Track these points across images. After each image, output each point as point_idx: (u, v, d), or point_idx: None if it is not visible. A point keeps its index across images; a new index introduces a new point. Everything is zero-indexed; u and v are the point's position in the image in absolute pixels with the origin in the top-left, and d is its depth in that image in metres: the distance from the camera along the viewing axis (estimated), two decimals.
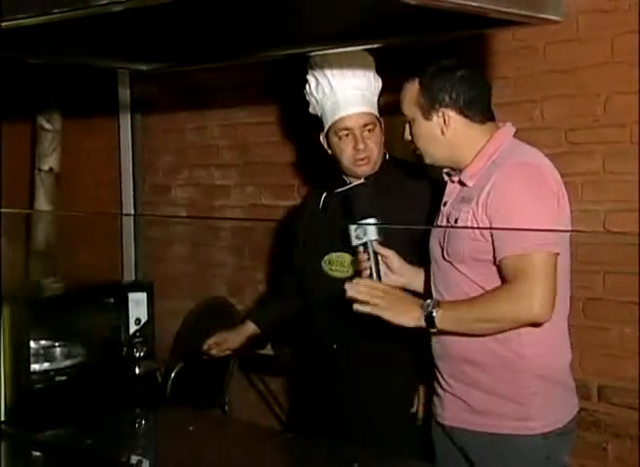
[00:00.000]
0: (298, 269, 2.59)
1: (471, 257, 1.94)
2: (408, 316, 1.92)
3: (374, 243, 2.07)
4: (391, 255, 2.12)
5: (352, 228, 2.10)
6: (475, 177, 1.97)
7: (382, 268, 2.10)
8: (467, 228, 1.92)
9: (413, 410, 2.43)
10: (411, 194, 2.39)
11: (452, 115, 1.99)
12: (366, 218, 2.07)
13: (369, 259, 2.07)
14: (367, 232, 2.04)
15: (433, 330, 1.92)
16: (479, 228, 1.90)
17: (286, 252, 2.75)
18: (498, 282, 1.93)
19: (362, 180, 2.43)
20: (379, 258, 2.09)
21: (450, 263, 1.99)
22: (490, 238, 1.91)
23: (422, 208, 2.33)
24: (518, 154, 1.99)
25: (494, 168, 1.95)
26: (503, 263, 1.89)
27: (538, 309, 1.85)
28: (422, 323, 1.90)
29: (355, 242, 2.10)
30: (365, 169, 2.41)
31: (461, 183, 2.01)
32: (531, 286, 1.85)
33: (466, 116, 2.00)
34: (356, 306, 1.93)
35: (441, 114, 2.00)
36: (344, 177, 2.48)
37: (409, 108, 2.04)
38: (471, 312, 1.92)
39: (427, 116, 2.01)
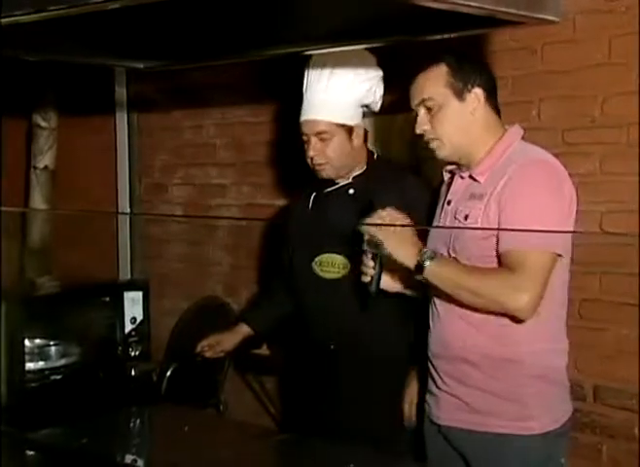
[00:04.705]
0: (288, 271, 2.59)
1: (480, 254, 1.93)
2: (405, 254, 1.92)
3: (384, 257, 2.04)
4: (398, 266, 2.07)
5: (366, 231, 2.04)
6: (486, 173, 1.96)
7: (385, 277, 2.08)
8: (473, 228, 1.92)
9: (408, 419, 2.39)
10: (400, 193, 2.38)
11: (483, 97, 1.99)
12: None
13: (373, 267, 2.04)
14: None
15: (419, 277, 1.90)
16: (485, 228, 1.90)
17: (277, 253, 2.74)
18: None
19: (350, 180, 2.44)
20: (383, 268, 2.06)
21: (456, 260, 1.97)
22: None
23: (411, 207, 2.32)
24: (535, 152, 1.99)
25: (508, 164, 1.93)
26: (506, 254, 1.88)
27: (525, 305, 1.86)
28: (412, 265, 1.90)
29: (366, 247, 2.05)
30: (324, 174, 2.42)
31: (472, 178, 1.99)
32: (527, 282, 1.85)
33: (489, 103, 2.00)
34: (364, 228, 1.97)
35: (474, 94, 1.98)
36: None
37: (438, 91, 1.98)
38: (462, 278, 1.91)
39: (460, 96, 1.98)
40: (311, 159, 2.40)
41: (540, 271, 1.86)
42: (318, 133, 2.37)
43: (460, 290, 1.91)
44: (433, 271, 1.89)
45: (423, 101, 2.00)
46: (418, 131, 2.03)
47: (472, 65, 2.00)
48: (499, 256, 1.90)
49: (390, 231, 1.92)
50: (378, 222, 1.92)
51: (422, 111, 2.01)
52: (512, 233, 1.87)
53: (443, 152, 2.02)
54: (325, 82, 2.35)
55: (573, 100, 2.59)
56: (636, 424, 2.50)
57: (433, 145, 2.03)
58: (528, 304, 1.86)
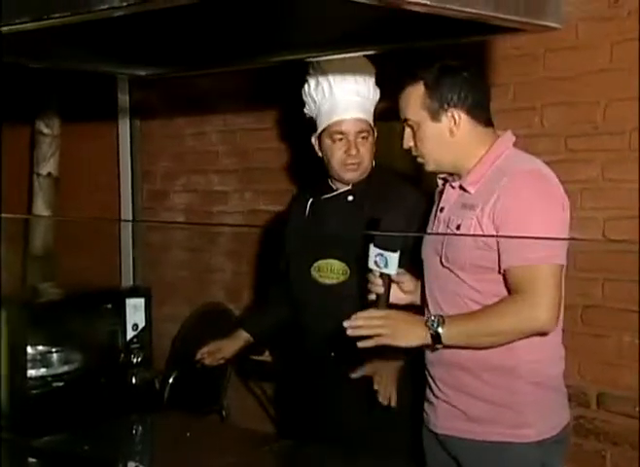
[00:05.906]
0: (286, 277, 2.58)
1: (473, 264, 1.92)
2: (414, 337, 1.90)
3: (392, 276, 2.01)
4: (406, 280, 2.09)
5: (373, 251, 1.97)
6: (477, 184, 1.95)
7: (393, 289, 2.04)
8: (470, 235, 1.91)
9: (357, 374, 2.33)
10: (398, 201, 2.38)
11: (462, 115, 1.96)
12: (392, 250, 1.96)
13: (382, 285, 2.00)
14: (388, 264, 1.95)
15: (439, 346, 1.90)
16: (483, 235, 1.89)
17: (275, 259, 2.74)
18: (498, 289, 1.92)
19: (349, 187, 2.44)
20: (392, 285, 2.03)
21: (449, 269, 1.97)
22: (495, 247, 1.89)
23: (410, 215, 2.32)
24: (525, 162, 1.98)
25: (499, 175, 1.93)
26: (508, 273, 1.88)
27: (544, 321, 1.86)
28: (428, 341, 1.89)
29: (373, 267, 2.00)
30: (353, 175, 2.41)
31: (462, 189, 1.99)
32: (538, 298, 1.85)
33: (473, 117, 1.97)
34: (360, 344, 1.92)
35: (450, 114, 1.96)
36: (330, 182, 2.48)
37: (415, 112, 1.99)
38: (477, 327, 1.91)
39: (436, 118, 1.97)
40: (349, 157, 2.37)
41: (548, 284, 1.86)
42: (360, 132, 2.38)
43: (484, 338, 1.91)
44: (450, 335, 1.88)
45: (404, 121, 2.03)
46: (404, 147, 2.05)
47: (452, 81, 1.97)
48: (503, 273, 1.90)
49: (382, 328, 1.89)
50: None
51: (407, 128, 2.03)
52: (513, 249, 1.87)
53: (428, 167, 2.04)
54: (354, 84, 2.37)
55: (575, 107, 2.59)
56: None
57: (418, 160, 2.05)
58: (548, 319, 1.86)
